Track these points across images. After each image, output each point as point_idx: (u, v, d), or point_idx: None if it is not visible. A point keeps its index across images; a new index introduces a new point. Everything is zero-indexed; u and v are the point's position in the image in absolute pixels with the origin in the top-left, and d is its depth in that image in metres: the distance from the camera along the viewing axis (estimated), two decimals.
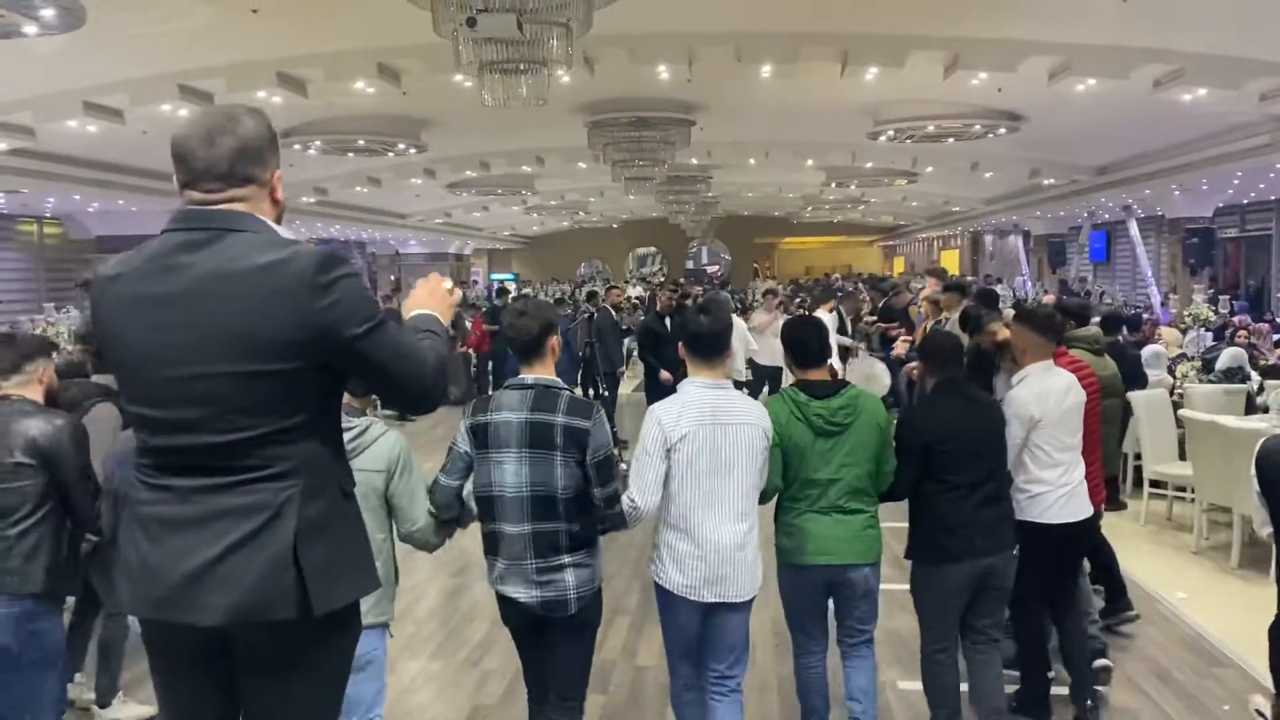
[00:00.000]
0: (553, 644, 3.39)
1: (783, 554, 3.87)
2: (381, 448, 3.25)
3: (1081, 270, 26.02)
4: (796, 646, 4.01)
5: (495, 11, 6.32)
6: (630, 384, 14.32)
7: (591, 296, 12.98)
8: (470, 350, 15.00)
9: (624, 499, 3.40)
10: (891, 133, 13.74)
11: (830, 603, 3.93)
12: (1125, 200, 19.64)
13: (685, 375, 3.61)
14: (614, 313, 12.43)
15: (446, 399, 2.32)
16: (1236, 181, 16.41)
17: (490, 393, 3.72)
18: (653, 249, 41.59)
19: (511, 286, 27.38)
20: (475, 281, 35.02)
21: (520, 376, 3.36)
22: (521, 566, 3.27)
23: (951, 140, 14.35)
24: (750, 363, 11.20)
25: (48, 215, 19.25)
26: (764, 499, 3.73)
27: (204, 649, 2.07)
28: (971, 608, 4.03)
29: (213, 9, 7.96)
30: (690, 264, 41.35)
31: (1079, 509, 4.31)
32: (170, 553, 2.01)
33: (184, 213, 2.08)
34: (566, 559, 3.27)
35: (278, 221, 2.14)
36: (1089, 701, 4.40)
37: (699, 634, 3.56)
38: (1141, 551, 6.93)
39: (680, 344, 3.65)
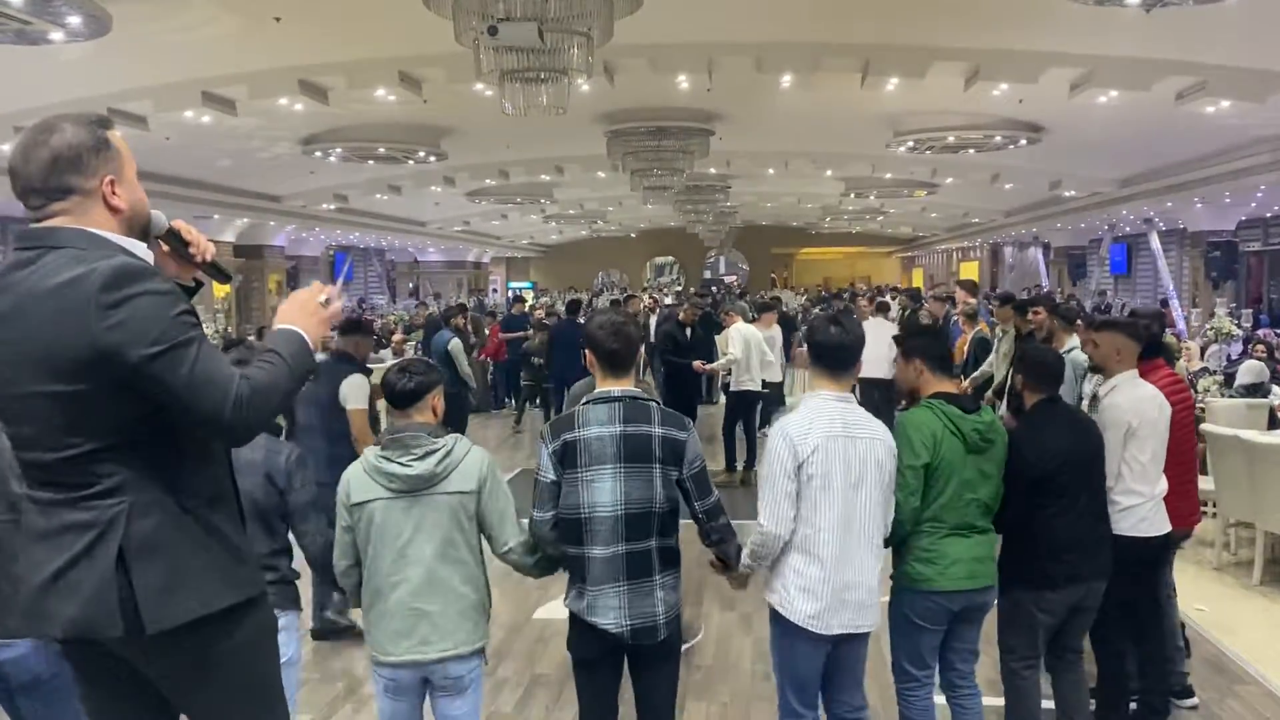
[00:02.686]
0: (639, 673, 3.26)
1: (915, 581, 3.55)
2: (471, 465, 3.15)
3: (1101, 283, 25.87)
4: (905, 683, 3.67)
5: (516, 20, 6.35)
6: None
7: (575, 307, 12.84)
8: (488, 359, 15.01)
9: (754, 532, 3.25)
10: (911, 143, 13.72)
11: None
12: (1147, 213, 19.52)
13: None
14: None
15: (260, 430, 2.14)
16: (1260, 195, 16.28)
17: (561, 410, 3.56)
18: (670, 259, 41.62)
19: (529, 295, 27.43)
20: (494, 289, 35.13)
21: (603, 389, 3.18)
22: (613, 591, 3.09)
23: (972, 151, 14.31)
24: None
25: None
26: (901, 529, 3.49)
27: (107, 664, 2.09)
28: (1062, 629, 3.88)
29: (236, 17, 8.03)
30: (708, 274, 41.36)
31: (1163, 523, 4.20)
32: (30, 563, 2.06)
33: (22, 231, 2.09)
34: (657, 579, 3.13)
35: (127, 228, 2.10)
36: None
37: (816, 669, 3.32)
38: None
39: (809, 352, 3.45)
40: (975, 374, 8.45)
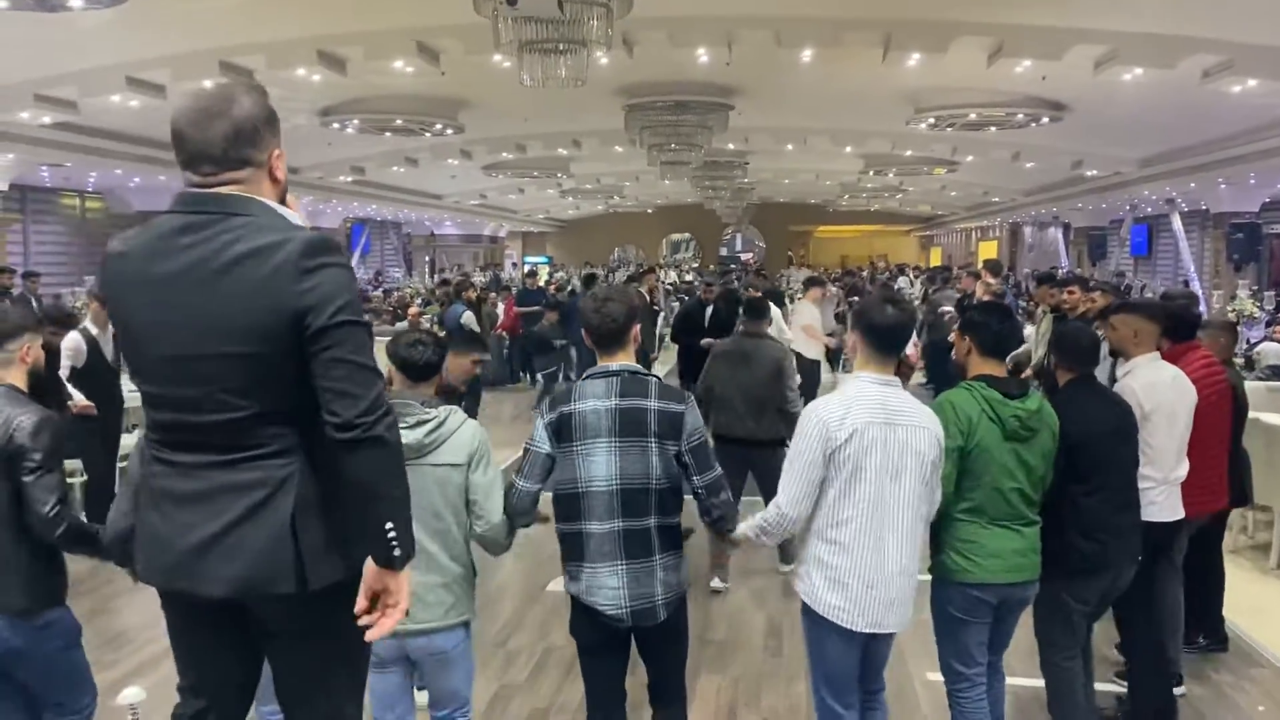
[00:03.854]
0: (646, 654, 3.24)
1: (953, 573, 3.43)
2: (462, 438, 3.12)
3: (1121, 264, 25.64)
4: (956, 684, 3.54)
5: None
6: (663, 368, 14.29)
7: (590, 280, 12.76)
8: (503, 333, 15.03)
9: (770, 506, 3.17)
10: (932, 120, 13.58)
11: None
12: (1169, 193, 19.31)
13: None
14: (649, 298, 12.36)
15: (371, 455, 2.05)
16: None
17: (566, 383, 3.54)
18: (687, 235, 41.46)
19: (544, 270, 27.40)
20: (511, 264, 35.11)
21: (602, 364, 3.15)
22: (608, 569, 3.05)
23: (993, 129, 14.16)
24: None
25: (90, 189, 19.48)
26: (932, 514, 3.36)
27: (218, 614, 2.13)
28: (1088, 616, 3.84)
29: None
30: (724, 250, 41.19)
31: (1175, 509, 4.13)
32: (177, 526, 2.06)
33: (183, 195, 2.09)
34: (657, 560, 3.07)
35: (281, 201, 2.13)
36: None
37: (852, 663, 3.21)
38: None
39: (856, 331, 3.28)
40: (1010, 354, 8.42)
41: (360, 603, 2.07)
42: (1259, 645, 5.22)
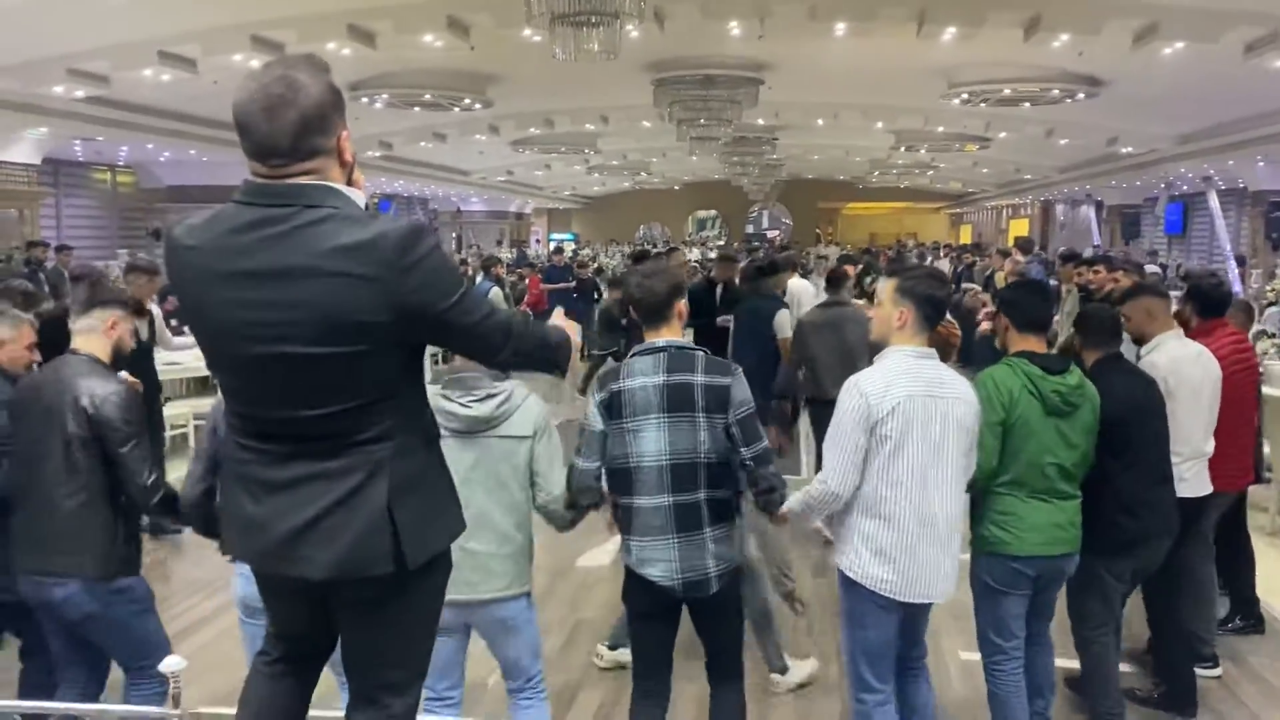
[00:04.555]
0: (700, 626, 3.26)
1: (991, 545, 3.46)
2: (528, 411, 3.17)
3: (1155, 243, 25.29)
4: (991, 656, 3.56)
5: None
6: None
7: (642, 257, 12.64)
8: (528, 310, 15.05)
9: (815, 482, 3.16)
10: (966, 96, 13.44)
11: None
12: (1206, 171, 19.00)
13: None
14: None
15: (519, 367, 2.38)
16: None
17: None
18: (713, 212, 41.30)
19: (569, 246, 27.38)
20: (535, 240, 35.13)
21: (649, 341, 3.17)
22: (661, 543, 3.09)
23: (1027, 105, 14.01)
24: None
25: (121, 163, 19.63)
26: (973, 485, 3.38)
27: (305, 589, 2.14)
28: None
29: None
30: (750, 228, 41.01)
31: (1203, 485, 4.16)
32: (271, 511, 2.06)
33: (257, 186, 1.99)
34: (707, 533, 3.09)
35: (348, 182, 2.07)
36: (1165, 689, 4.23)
37: (891, 638, 3.23)
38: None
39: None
40: None
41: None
42: None
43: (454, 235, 33.71)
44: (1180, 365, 4.07)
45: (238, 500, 2.12)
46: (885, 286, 3.29)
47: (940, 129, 18.02)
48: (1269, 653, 4.86)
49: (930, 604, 3.27)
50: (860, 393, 3.09)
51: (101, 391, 3.21)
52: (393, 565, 2.04)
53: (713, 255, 24.13)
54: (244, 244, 1.95)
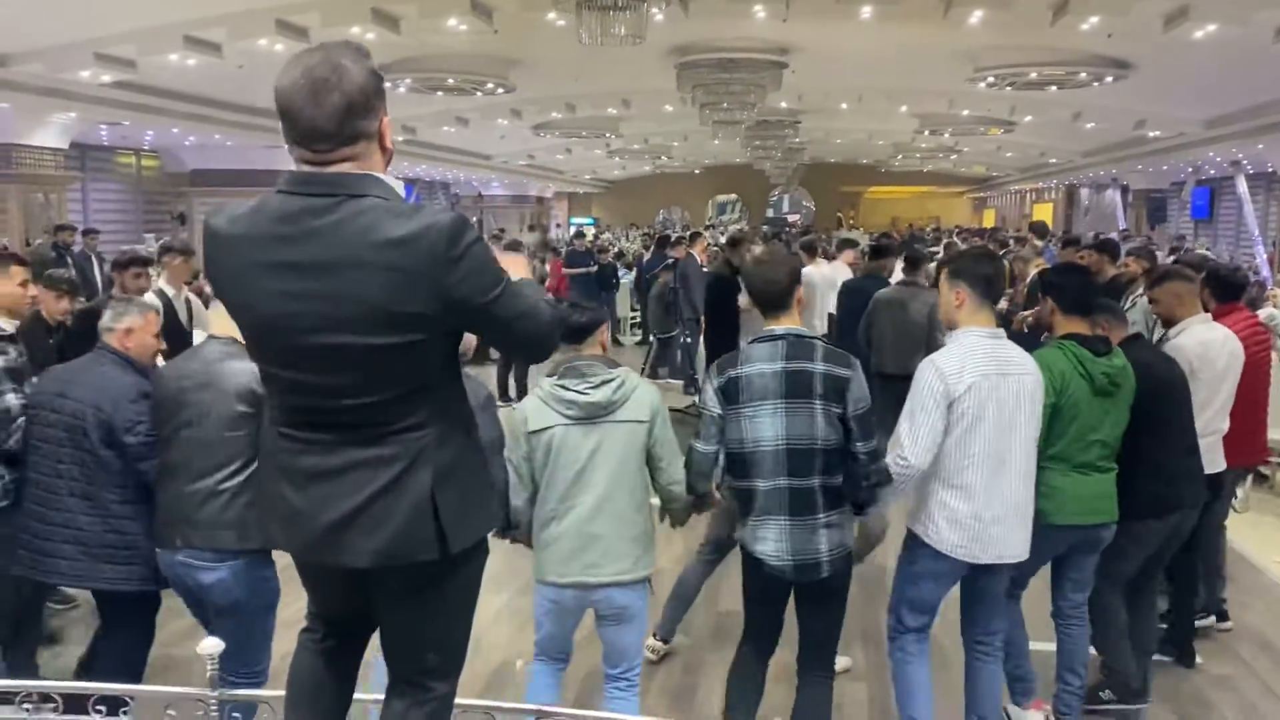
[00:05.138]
0: (803, 608, 3.34)
1: (1036, 516, 3.59)
2: (644, 396, 3.26)
3: (1181, 228, 25.01)
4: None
5: None
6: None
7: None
8: (550, 295, 15.03)
9: (892, 456, 3.29)
10: (992, 79, 13.30)
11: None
12: (1235, 155, 18.76)
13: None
14: (699, 260, 12.29)
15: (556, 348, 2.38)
16: None
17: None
18: (733, 196, 41.11)
19: (590, 231, 27.31)
20: (556, 224, 35.09)
21: (769, 328, 3.23)
22: (775, 524, 3.17)
23: (1054, 88, 13.84)
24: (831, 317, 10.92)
25: (145, 148, 19.72)
26: None
27: (345, 576, 2.17)
28: (1150, 560, 4.05)
29: None
30: (771, 212, 40.81)
31: (1217, 461, 4.35)
32: (315, 501, 2.07)
33: (301, 176, 2.00)
34: (821, 518, 3.16)
35: (388, 166, 2.08)
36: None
37: (939, 594, 3.50)
38: (1244, 520, 6.69)
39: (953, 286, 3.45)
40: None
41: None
42: None
43: (475, 219, 33.74)
44: (1208, 349, 4.25)
45: (279, 490, 2.13)
46: (941, 274, 3.58)
47: (965, 112, 17.85)
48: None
49: (1002, 571, 3.47)
50: (938, 372, 3.29)
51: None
52: (437, 552, 2.06)
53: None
54: (289, 234, 1.96)
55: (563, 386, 3.20)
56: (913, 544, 3.49)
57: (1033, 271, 8.14)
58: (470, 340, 2.49)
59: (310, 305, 1.95)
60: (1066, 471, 3.60)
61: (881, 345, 6.56)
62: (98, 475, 3.42)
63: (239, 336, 3.27)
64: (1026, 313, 7.01)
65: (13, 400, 3.70)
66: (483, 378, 3.51)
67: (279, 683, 2.52)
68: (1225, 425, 4.37)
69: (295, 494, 2.10)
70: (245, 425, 3.24)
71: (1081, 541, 3.72)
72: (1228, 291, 4.74)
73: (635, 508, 3.25)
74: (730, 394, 3.17)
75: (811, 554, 3.16)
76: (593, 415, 3.19)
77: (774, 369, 3.13)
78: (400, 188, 2.11)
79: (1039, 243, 10.80)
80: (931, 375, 3.30)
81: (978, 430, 3.27)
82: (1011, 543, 3.38)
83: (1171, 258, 11.59)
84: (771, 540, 3.17)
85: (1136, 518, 3.82)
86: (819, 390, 3.11)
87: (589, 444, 3.18)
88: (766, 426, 3.13)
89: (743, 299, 10.40)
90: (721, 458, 3.29)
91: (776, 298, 3.23)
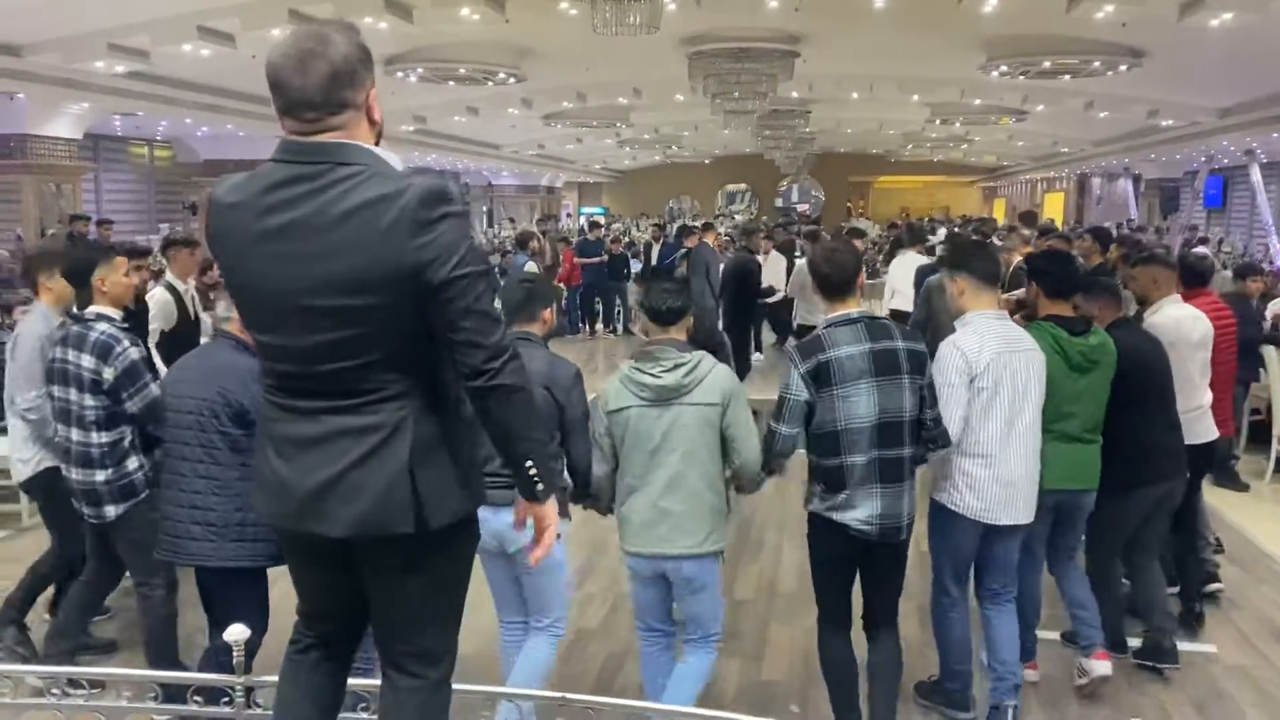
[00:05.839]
0: (875, 570, 3.53)
1: None
2: (716, 380, 3.38)
3: (1194, 217, 24.87)
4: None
5: None
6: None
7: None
8: (562, 285, 15.05)
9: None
10: (1005, 68, 13.24)
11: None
12: (1249, 144, 18.65)
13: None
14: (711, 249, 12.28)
15: (500, 393, 2.08)
16: None
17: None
18: (743, 186, 41.02)
19: (601, 220, 27.31)
20: (566, 214, 35.07)
21: (842, 312, 3.41)
22: (867, 493, 3.34)
23: (1067, 77, 13.78)
24: None
25: (158, 138, 19.79)
26: None
27: (329, 551, 2.19)
28: (1143, 527, 4.35)
29: None
30: (780, 202, 40.72)
31: (1208, 431, 4.73)
32: (299, 468, 2.11)
33: (289, 145, 2.06)
34: (905, 484, 3.40)
35: (377, 141, 2.12)
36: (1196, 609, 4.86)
37: (972, 554, 3.80)
38: (1261, 511, 6.71)
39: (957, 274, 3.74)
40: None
41: (516, 522, 2.31)
42: None
43: (485, 209, 33.75)
44: (1181, 324, 4.63)
45: (268, 459, 2.18)
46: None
47: (977, 101, 17.79)
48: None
49: (1014, 532, 3.77)
50: (959, 352, 3.59)
51: None
52: (413, 525, 2.07)
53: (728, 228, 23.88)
54: (279, 200, 2.02)
55: (637, 369, 3.39)
56: (941, 514, 3.77)
57: (1017, 259, 8.20)
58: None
59: (293, 268, 2.01)
60: (1049, 441, 3.84)
61: (938, 329, 6.58)
62: (224, 455, 3.47)
63: None
64: (1007, 295, 7.11)
65: (156, 390, 3.77)
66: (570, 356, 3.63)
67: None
68: (1208, 398, 4.73)
69: (280, 462, 2.14)
70: None
71: (1065, 505, 4.00)
72: (1196, 278, 5.21)
73: (707, 485, 3.41)
74: (821, 378, 3.32)
75: (896, 517, 3.38)
76: (664, 398, 3.35)
77: (862, 350, 3.32)
78: (396, 161, 2.10)
79: (1026, 232, 10.81)
80: (955, 354, 3.58)
81: (994, 403, 3.58)
82: (1023, 506, 3.70)
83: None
84: (865, 508, 3.35)
85: (1121, 488, 4.11)
86: (905, 366, 3.35)
87: (662, 425, 3.36)
88: (861, 404, 3.31)
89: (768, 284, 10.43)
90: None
91: (847, 283, 3.43)
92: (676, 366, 3.35)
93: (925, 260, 8.87)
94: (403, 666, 2.26)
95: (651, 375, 3.36)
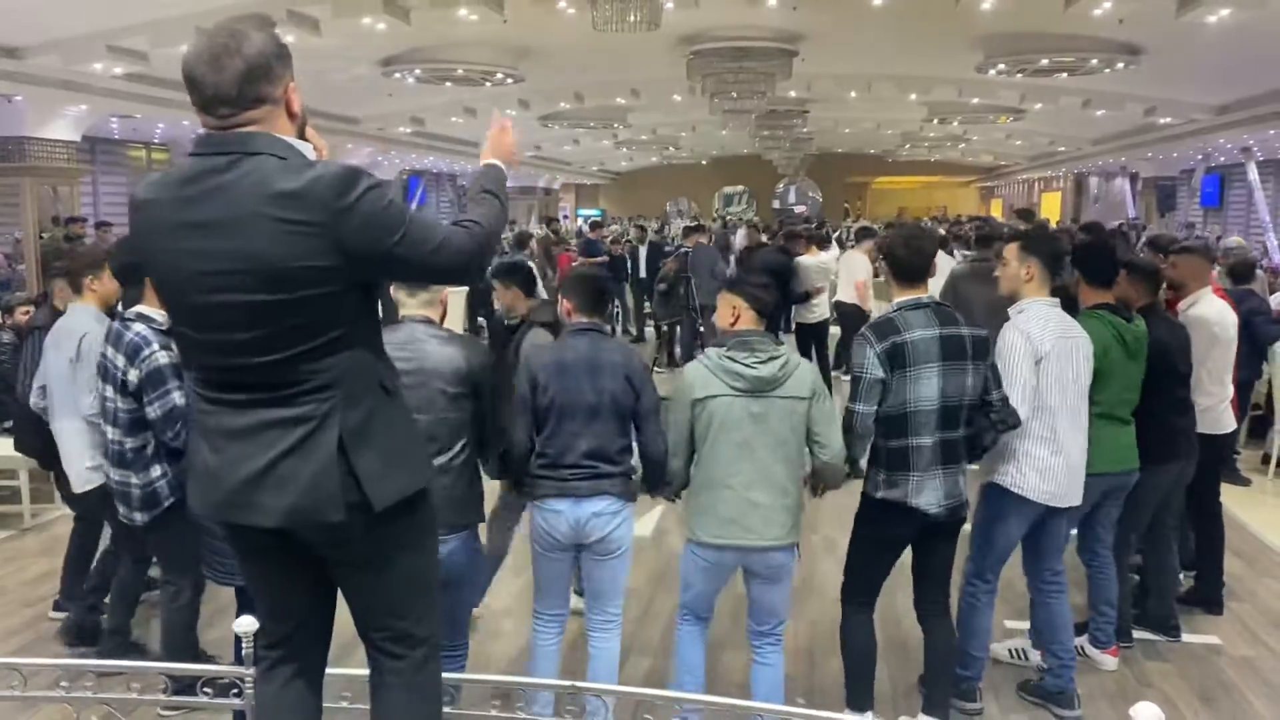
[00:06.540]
0: (931, 547, 3.64)
1: None
2: (804, 375, 3.41)
3: (1191, 216, 24.91)
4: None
5: None
6: None
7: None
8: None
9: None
10: (1003, 67, 13.25)
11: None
12: (1246, 141, 18.69)
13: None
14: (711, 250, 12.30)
15: (489, 263, 2.42)
16: None
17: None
18: (740, 187, 41.03)
19: (601, 221, 27.26)
20: (564, 216, 35.06)
21: (913, 297, 3.51)
22: (933, 475, 3.45)
23: (1064, 76, 13.80)
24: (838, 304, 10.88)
25: (156, 141, 19.77)
26: None
27: (272, 544, 2.20)
28: (1162, 507, 4.51)
29: None
30: (777, 204, 40.73)
31: (1231, 421, 4.93)
32: (228, 460, 2.11)
33: (206, 138, 2.06)
34: (963, 465, 3.53)
35: (300, 134, 2.13)
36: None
37: (1018, 540, 3.90)
38: (1266, 504, 6.73)
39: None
40: None
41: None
42: None
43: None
44: (1224, 316, 4.80)
45: (199, 451, 2.18)
46: (1010, 248, 3.93)
47: (974, 100, 17.81)
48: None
49: (1065, 515, 3.88)
50: (1025, 336, 3.69)
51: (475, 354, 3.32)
52: (344, 512, 2.07)
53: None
54: (191, 195, 2.02)
55: (730, 358, 3.36)
56: (998, 497, 3.81)
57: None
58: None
59: (210, 264, 2.01)
60: (1102, 425, 3.95)
61: (970, 317, 6.74)
62: None
63: (434, 316, 3.28)
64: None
65: (179, 399, 3.69)
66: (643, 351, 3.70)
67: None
68: (1231, 390, 4.89)
69: (211, 454, 2.14)
70: (459, 407, 3.22)
71: (1112, 488, 4.10)
72: (1248, 271, 5.65)
73: (791, 479, 3.44)
74: (896, 358, 3.40)
75: (957, 497, 3.50)
76: (758, 389, 3.35)
77: (933, 334, 3.41)
78: (309, 151, 2.11)
79: (1023, 226, 10.88)
80: (1020, 339, 3.68)
81: (1056, 387, 3.70)
82: (1078, 490, 3.81)
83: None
84: (932, 491, 3.45)
85: (1149, 465, 4.21)
86: (970, 351, 3.44)
87: (752, 417, 3.35)
88: (928, 387, 3.39)
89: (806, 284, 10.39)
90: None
91: (922, 269, 3.55)
92: (772, 359, 3.36)
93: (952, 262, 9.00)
94: (383, 648, 2.28)
95: (747, 365, 3.34)
